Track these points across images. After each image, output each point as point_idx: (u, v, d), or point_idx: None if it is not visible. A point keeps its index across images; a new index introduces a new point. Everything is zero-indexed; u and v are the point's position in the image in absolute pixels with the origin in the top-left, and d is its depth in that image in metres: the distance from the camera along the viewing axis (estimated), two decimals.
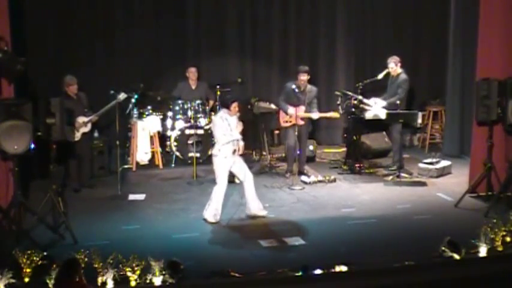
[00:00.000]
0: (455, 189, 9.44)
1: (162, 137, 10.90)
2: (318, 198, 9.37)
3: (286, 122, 10.25)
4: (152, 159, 10.67)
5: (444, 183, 9.98)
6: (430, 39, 12.63)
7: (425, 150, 11.89)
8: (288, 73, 10.86)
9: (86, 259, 6.38)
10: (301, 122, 10.10)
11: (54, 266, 6.23)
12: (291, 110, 10.07)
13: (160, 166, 10.65)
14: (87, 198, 9.49)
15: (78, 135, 9.59)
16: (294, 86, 10.03)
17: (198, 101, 10.76)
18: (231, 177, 8.69)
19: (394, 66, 10.27)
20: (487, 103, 8.58)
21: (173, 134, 10.65)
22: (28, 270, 6.41)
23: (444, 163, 10.52)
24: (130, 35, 11.65)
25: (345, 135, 11.29)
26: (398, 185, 9.90)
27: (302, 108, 10.03)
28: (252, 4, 12.16)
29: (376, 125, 11.38)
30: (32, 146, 7.59)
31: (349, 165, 10.74)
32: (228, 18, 12.07)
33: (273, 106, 11.11)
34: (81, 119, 9.58)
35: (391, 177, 10.26)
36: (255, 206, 8.50)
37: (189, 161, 10.48)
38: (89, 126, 9.71)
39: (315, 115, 10.18)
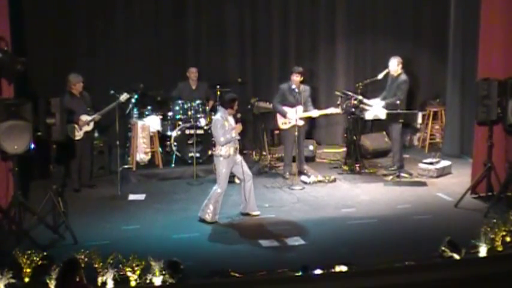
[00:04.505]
0: (455, 189, 9.44)
1: (162, 137, 10.90)
2: (318, 198, 9.37)
3: (285, 123, 10.24)
4: (152, 159, 10.66)
5: (444, 183, 9.98)
6: (430, 39, 12.63)
7: (425, 150, 11.89)
8: (288, 73, 10.83)
9: (86, 259, 6.39)
10: (302, 123, 10.09)
11: (54, 266, 6.23)
12: (290, 113, 10.06)
13: (160, 166, 10.64)
14: (87, 198, 9.50)
15: (80, 134, 9.62)
16: (294, 86, 10.04)
17: (198, 101, 10.75)
18: (231, 177, 8.70)
19: (396, 65, 10.25)
20: (487, 103, 8.57)
21: (173, 134, 10.65)
22: (28, 270, 6.42)
23: (444, 163, 10.52)
24: (130, 35, 11.66)
25: (345, 135, 11.29)
26: (398, 185, 9.90)
27: (300, 107, 10.03)
28: (252, 4, 12.16)
29: (376, 125, 11.40)
30: (32, 146, 7.60)
31: (349, 165, 10.74)
32: (228, 19, 12.07)
33: (272, 106, 11.11)
34: (84, 118, 9.60)
35: (391, 177, 10.26)
36: (250, 206, 8.52)
37: (189, 161, 10.48)
38: (92, 125, 9.73)
39: (315, 113, 10.19)
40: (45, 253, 6.65)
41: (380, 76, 10.46)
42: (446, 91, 11.92)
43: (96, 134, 10.36)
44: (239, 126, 8.39)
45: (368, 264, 6.80)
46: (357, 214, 8.63)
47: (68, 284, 5.19)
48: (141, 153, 10.47)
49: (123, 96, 9.74)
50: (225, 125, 8.25)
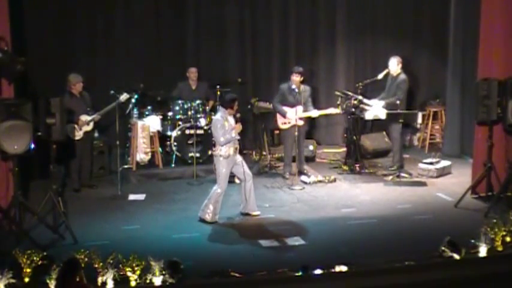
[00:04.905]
0: (455, 189, 9.44)
1: (162, 137, 10.90)
2: (318, 198, 9.37)
3: (285, 123, 10.24)
4: (152, 159, 10.66)
5: (444, 183, 9.98)
6: (430, 39, 12.63)
7: (425, 150, 11.89)
8: (288, 73, 10.87)
9: (86, 259, 6.39)
10: (301, 123, 10.09)
11: (54, 266, 6.24)
12: (290, 113, 10.06)
13: (160, 166, 10.64)
14: (87, 198, 9.49)
15: (80, 134, 9.62)
16: (294, 86, 10.04)
17: (198, 101, 10.76)
18: (231, 177, 8.70)
19: (396, 65, 10.25)
20: (487, 103, 8.57)
21: (173, 134, 10.65)
22: (28, 270, 6.42)
23: (444, 163, 10.52)
24: (130, 34, 11.66)
25: (345, 135, 11.29)
26: (398, 185, 9.90)
27: (300, 107, 10.02)
28: (251, 4, 12.16)
29: (376, 125, 11.40)
30: (32, 146, 7.60)
31: (349, 165, 10.74)
32: (228, 19, 12.07)
33: (272, 106, 11.10)
34: (84, 118, 9.60)
35: (391, 177, 10.26)
36: (250, 206, 8.52)
37: (189, 161, 10.48)
38: (92, 125, 9.73)
39: (315, 113, 10.19)
40: (45, 253, 6.65)
41: (380, 76, 10.46)
42: (446, 91, 11.92)
43: (96, 134, 10.35)
44: (239, 126, 8.39)
45: (368, 264, 6.80)
46: (357, 214, 8.62)
47: (68, 284, 5.19)
48: (141, 153, 10.46)
49: (123, 96, 9.75)
50: (225, 125, 8.25)
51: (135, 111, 10.57)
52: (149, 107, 10.77)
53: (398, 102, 10.10)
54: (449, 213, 8.59)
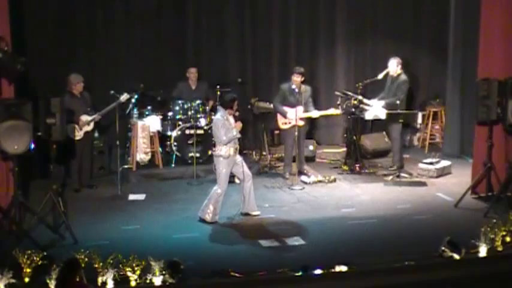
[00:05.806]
0: (455, 189, 9.44)
1: (162, 137, 10.90)
2: (318, 198, 9.37)
3: (285, 123, 10.24)
4: (152, 159, 10.67)
5: (444, 183, 9.98)
6: (430, 40, 12.63)
7: (425, 150, 11.89)
8: (288, 73, 10.88)
9: (86, 259, 6.39)
10: (302, 123, 10.10)
11: (54, 266, 6.24)
12: (290, 113, 10.06)
13: (160, 166, 10.65)
14: (87, 198, 9.49)
15: (81, 134, 9.62)
16: (294, 86, 10.04)
17: (198, 101, 10.76)
18: (231, 177, 8.69)
19: (395, 66, 10.26)
20: (487, 103, 8.58)
21: (173, 134, 10.65)
22: (28, 270, 6.42)
23: (444, 163, 10.52)
24: (130, 34, 11.66)
25: (345, 135, 11.30)
26: (398, 185, 9.90)
27: (300, 108, 10.02)
28: (252, 4, 12.16)
29: (376, 125, 11.40)
30: (32, 146, 7.60)
31: (349, 165, 10.74)
32: (228, 18, 12.07)
33: (273, 106, 11.10)
34: (85, 118, 9.60)
35: (391, 177, 10.26)
36: (250, 206, 8.52)
37: (189, 161, 10.48)
38: (92, 125, 9.73)
39: (315, 113, 10.19)
40: (45, 253, 6.66)
41: (380, 76, 10.47)
42: (446, 91, 11.91)
43: (96, 134, 10.35)
44: (239, 124, 8.39)
45: (368, 264, 6.80)
46: (357, 214, 8.62)
47: (68, 284, 5.20)
48: (141, 153, 10.46)
49: (123, 97, 9.75)
50: (226, 124, 8.26)
51: (135, 111, 10.57)
52: (149, 107, 10.77)
53: (398, 102, 10.11)
54: (449, 213, 8.60)
